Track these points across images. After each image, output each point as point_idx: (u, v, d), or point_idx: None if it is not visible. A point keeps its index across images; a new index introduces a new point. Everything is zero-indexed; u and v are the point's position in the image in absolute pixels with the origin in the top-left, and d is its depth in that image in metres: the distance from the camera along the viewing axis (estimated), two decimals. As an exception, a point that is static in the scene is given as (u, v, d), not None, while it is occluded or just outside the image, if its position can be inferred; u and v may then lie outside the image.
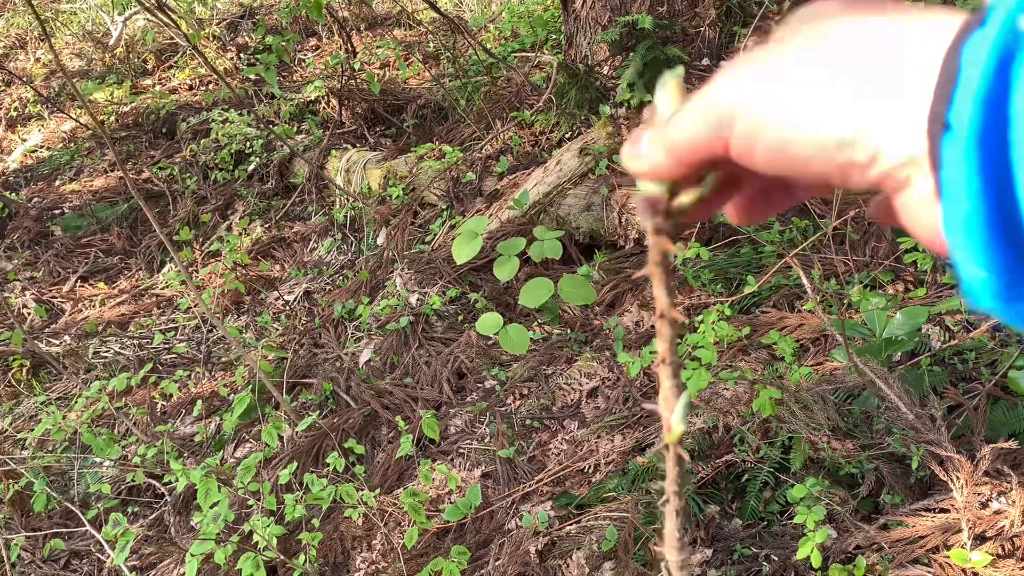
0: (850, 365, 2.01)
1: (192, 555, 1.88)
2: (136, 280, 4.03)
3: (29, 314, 3.76)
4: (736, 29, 3.69)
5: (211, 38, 5.85)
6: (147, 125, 5.14)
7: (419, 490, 2.19)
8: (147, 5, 3.81)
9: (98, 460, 2.71)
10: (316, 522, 2.15)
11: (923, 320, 2.16)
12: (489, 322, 2.13)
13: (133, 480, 2.49)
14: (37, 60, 6.57)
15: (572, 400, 2.51)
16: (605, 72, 3.78)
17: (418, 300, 3.06)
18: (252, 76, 4.80)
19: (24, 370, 3.28)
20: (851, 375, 2.06)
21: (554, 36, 4.61)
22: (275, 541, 1.98)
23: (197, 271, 3.80)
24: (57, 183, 4.93)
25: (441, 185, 3.54)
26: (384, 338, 2.96)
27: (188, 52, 5.78)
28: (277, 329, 3.31)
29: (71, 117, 5.16)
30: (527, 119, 3.74)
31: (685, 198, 0.36)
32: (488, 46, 4.51)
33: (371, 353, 2.93)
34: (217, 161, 4.44)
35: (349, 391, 2.78)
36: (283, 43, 3.53)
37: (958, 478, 1.70)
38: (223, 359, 3.21)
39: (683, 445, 0.39)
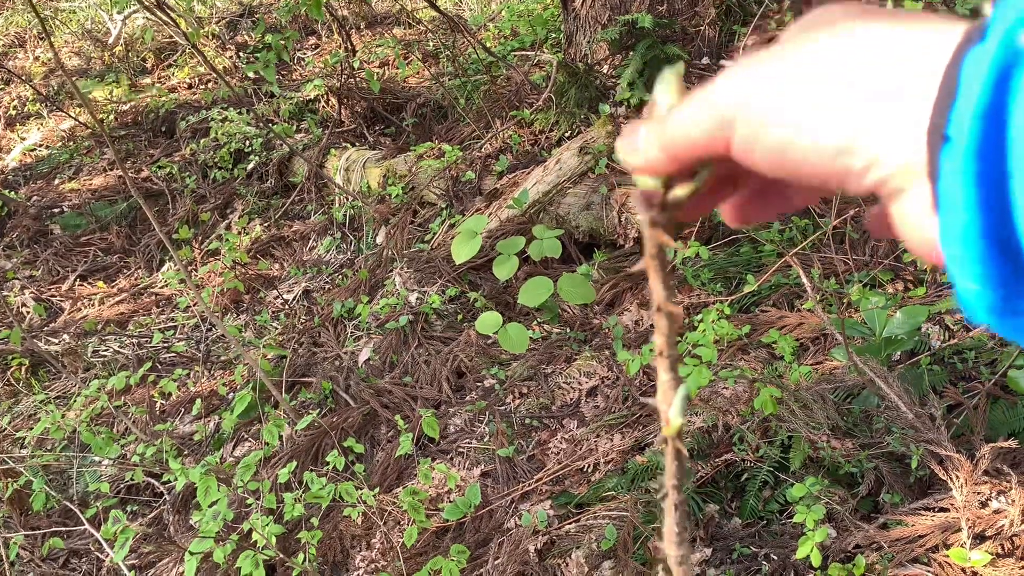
0: (850, 364, 2.01)
1: (191, 554, 1.88)
2: (135, 279, 4.02)
3: (28, 313, 3.76)
4: (736, 28, 3.69)
5: (210, 37, 5.84)
6: (146, 124, 5.14)
7: (418, 489, 2.19)
8: (146, 4, 3.80)
9: (97, 459, 2.71)
10: (315, 521, 2.15)
11: (923, 319, 2.16)
12: (488, 321, 2.12)
13: (132, 479, 2.49)
14: (36, 58, 6.57)
15: (571, 399, 2.50)
16: (605, 71, 3.77)
17: (417, 299, 3.06)
18: (251, 74, 4.80)
19: (23, 369, 3.28)
20: (851, 374, 2.06)
21: (554, 35, 4.61)
22: (274, 540, 1.98)
23: (196, 270, 3.80)
24: (56, 182, 4.92)
25: (440, 184, 3.53)
26: (383, 337, 2.96)
27: (187, 51, 5.78)
28: (276, 328, 3.31)
29: (70, 115, 5.15)
30: (527, 118, 3.74)
31: (680, 191, 0.36)
32: (488, 45, 4.50)
33: (370, 352, 2.93)
34: (216, 160, 4.43)
35: (348, 390, 2.78)
36: (282, 41, 3.53)
37: (958, 477, 1.70)
38: (222, 358, 3.21)
39: (682, 440, 0.39)
